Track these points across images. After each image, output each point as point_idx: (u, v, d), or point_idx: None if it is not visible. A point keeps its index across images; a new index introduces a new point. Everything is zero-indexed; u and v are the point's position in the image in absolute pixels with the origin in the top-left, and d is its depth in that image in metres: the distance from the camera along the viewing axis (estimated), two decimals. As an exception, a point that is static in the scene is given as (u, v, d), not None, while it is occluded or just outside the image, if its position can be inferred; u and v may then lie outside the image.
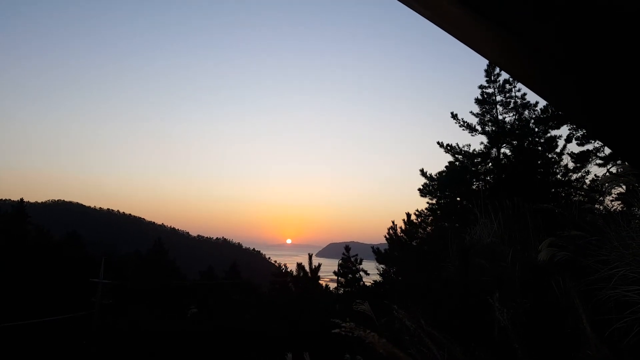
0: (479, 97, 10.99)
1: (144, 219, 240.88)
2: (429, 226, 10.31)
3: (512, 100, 10.76)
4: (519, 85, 10.12)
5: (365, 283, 10.79)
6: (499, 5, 0.51)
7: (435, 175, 10.92)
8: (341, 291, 11.40)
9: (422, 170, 11.03)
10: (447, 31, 0.60)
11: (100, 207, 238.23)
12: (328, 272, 12.53)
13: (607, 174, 8.12)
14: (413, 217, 10.42)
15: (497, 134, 10.61)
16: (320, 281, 11.76)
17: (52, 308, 16.71)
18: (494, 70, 10.81)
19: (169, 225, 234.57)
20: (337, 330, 2.19)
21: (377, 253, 10.00)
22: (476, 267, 3.73)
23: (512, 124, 10.69)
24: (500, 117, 10.86)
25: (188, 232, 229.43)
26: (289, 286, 11.76)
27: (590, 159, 9.73)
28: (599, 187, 7.77)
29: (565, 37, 0.50)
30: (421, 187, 11.08)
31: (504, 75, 10.70)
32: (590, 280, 2.38)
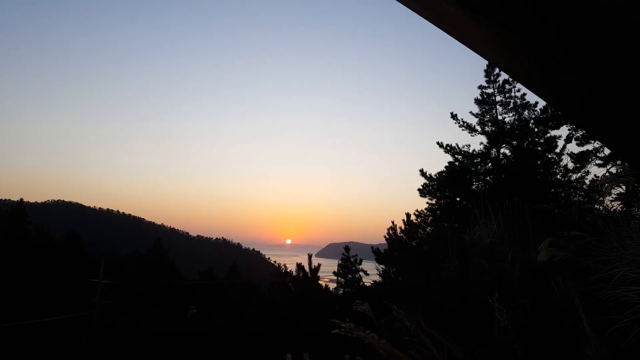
0: (479, 97, 11.00)
1: (143, 219, 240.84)
2: (429, 226, 10.31)
3: (512, 101, 10.76)
4: (519, 85, 10.13)
5: (365, 283, 10.79)
6: (499, 5, 0.51)
7: (435, 175, 10.93)
8: (341, 291, 11.40)
9: (421, 171, 11.04)
10: (446, 31, 0.60)
11: (100, 207, 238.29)
12: (328, 272, 12.53)
13: (607, 174, 8.12)
14: (413, 218, 10.43)
15: (496, 134, 10.61)
16: (320, 281, 11.76)
17: (52, 308, 16.69)
18: (493, 70, 10.81)
19: (168, 226, 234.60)
20: (336, 331, 2.19)
21: (377, 253, 10.00)
22: (476, 268, 3.73)
23: (511, 124, 10.69)
24: (499, 117, 10.87)
25: (188, 232, 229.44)
26: (289, 286, 11.76)
27: (590, 159, 9.73)
28: (599, 188, 7.77)
29: (565, 37, 0.50)
30: (421, 187, 11.08)
31: (504, 76, 10.71)
32: (590, 281, 2.38)
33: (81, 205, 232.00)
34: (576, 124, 8.38)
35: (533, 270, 3.16)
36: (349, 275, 11.21)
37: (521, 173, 9.11)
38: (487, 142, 10.78)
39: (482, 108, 11.01)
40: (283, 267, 13.14)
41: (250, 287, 23.59)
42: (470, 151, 10.84)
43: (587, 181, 9.67)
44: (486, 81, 10.95)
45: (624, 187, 3.06)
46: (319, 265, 11.42)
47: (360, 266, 11.25)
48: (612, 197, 4.08)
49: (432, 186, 10.89)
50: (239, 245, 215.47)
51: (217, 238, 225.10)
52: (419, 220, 10.55)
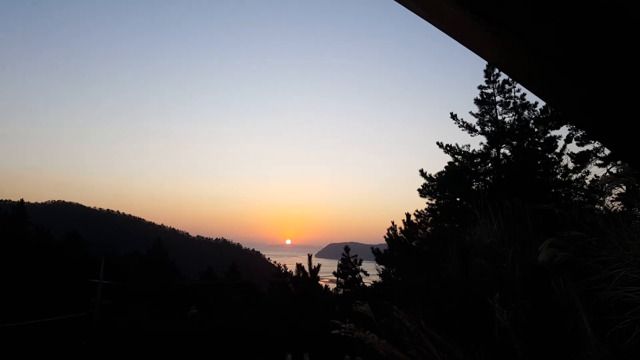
0: (479, 97, 11.00)
1: (143, 219, 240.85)
2: (429, 227, 10.30)
3: (512, 101, 10.76)
4: (519, 85, 10.12)
5: (365, 284, 10.78)
6: (499, 6, 0.50)
7: (435, 175, 10.92)
8: (341, 292, 11.40)
9: (421, 171, 11.04)
10: (445, 32, 0.60)
11: (100, 208, 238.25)
12: (328, 272, 12.52)
13: (607, 174, 8.11)
14: (413, 218, 10.42)
15: (496, 134, 10.61)
16: (319, 282, 11.75)
17: (52, 308, 16.69)
18: (493, 70, 10.81)
19: (168, 226, 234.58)
20: (337, 331, 2.19)
21: (377, 254, 9.99)
22: (476, 268, 3.72)
23: (511, 125, 10.69)
24: (499, 117, 10.87)
25: (188, 233, 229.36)
26: (289, 287, 11.75)
27: (590, 159, 9.73)
28: (599, 188, 7.77)
29: (565, 37, 0.50)
30: (421, 188, 11.08)
31: (504, 76, 10.71)
32: (590, 281, 2.37)
33: (81, 205, 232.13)
34: (576, 124, 8.38)
35: (533, 271, 3.16)
36: (349, 276, 11.20)
37: (521, 173, 9.11)
38: (487, 142, 10.78)
39: (482, 108, 11.01)
40: (283, 267, 13.13)
41: (250, 287, 23.58)
42: (470, 151, 10.84)
43: (587, 181, 9.67)
44: (486, 81, 10.95)
45: (624, 187, 3.06)
46: (319, 266, 11.42)
47: (360, 266, 11.24)
48: (613, 197, 4.08)
49: (432, 186, 10.89)
50: (238, 246, 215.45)
51: (217, 238, 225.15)
52: (419, 220, 10.55)
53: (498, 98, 10.90)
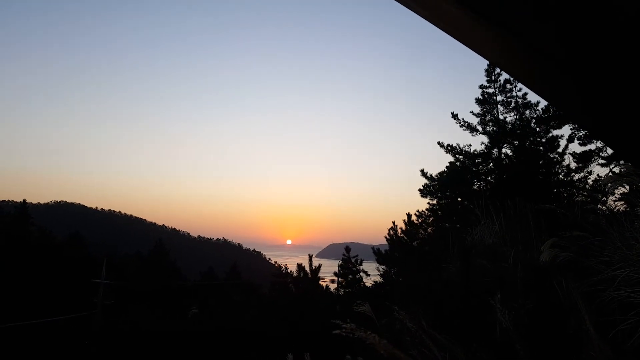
0: (480, 97, 10.98)
1: (145, 219, 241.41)
2: (430, 227, 10.28)
3: (513, 100, 10.74)
4: (520, 84, 10.10)
5: (366, 284, 10.78)
6: (499, 6, 0.50)
7: (436, 175, 10.91)
8: (341, 292, 11.39)
9: (422, 171, 11.02)
10: (446, 32, 0.59)
11: (102, 208, 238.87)
12: (328, 272, 12.52)
13: (610, 174, 8.08)
14: (414, 218, 10.41)
15: (498, 134, 10.58)
16: (320, 282, 11.75)
17: (54, 308, 16.74)
18: (494, 70, 10.79)
19: (170, 226, 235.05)
20: (337, 331, 2.19)
21: (378, 254, 9.98)
22: (478, 268, 3.71)
23: (513, 124, 10.67)
24: (501, 117, 10.85)
25: (189, 233, 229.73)
26: (290, 287, 11.75)
27: (593, 159, 9.69)
28: (602, 187, 7.74)
29: (565, 37, 0.50)
30: (422, 188, 11.06)
31: (505, 75, 10.69)
32: (593, 282, 2.36)
33: (83, 206, 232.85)
34: (577, 124, 8.36)
35: (535, 271, 3.15)
36: (350, 276, 11.19)
37: (523, 173, 9.09)
38: (489, 142, 10.76)
39: (483, 108, 10.99)
40: (284, 267, 13.14)
41: (251, 287, 23.60)
42: (472, 151, 10.82)
43: (589, 181, 9.63)
44: (487, 81, 10.93)
45: (627, 186, 3.04)
46: (320, 266, 11.42)
47: (361, 267, 11.23)
48: (616, 197, 4.06)
49: (433, 186, 10.87)
50: (239, 246, 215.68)
51: (218, 239, 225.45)
52: (419, 220, 10.53)
53: (499, 97, 10.88)
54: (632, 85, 0.51)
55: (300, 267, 11.36)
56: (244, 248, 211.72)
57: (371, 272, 10.94)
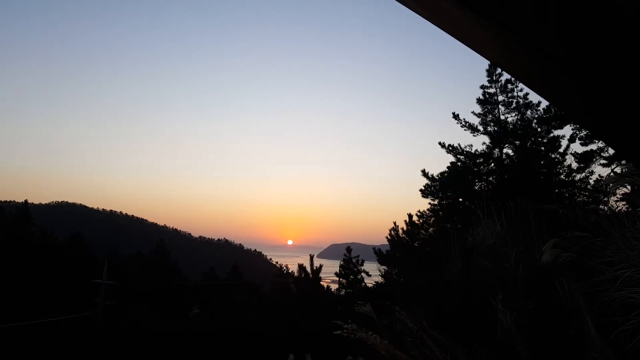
0: (481, 97, 10.96)
1: (146, 220, 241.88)
2: (431, 227, 10.27)
3: (515, 100, 10.72)
4: (521, 84, 10.08)
5: (367, 284, 10.77)
6: (499, 6, 0.50)
7: (437, 176, 10.90)
8: (343, 292, 11.39)
9: (423, 171, 11.01)
10: (446, 31, 0.60)
11: (104, 209, 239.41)
12: (329, 273, 12.52)
13: (612, 174, 8.06)
14: (415, 218, 10.39)
15: (499, 134, 10.57)
16: (321, 282, 11.75)
17: (55, 309, 16.79)
18: (495, 70, 10.77)
19: (171, 227, 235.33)
20: (339, 332, 2.18)
21: (379, 254, 9.97)
22: (479, 269, 3.71)
23: (514, 124, 10.65)
24: (502, 117, 10.83)
25: (190, 233, 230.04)
26: (291, 287, 11.76)
27: (594, 159, 9.66)
28: (603, 188, 7.72)
29: (565, 37, 0.50)
30: (423, 188, 11.06)
31: (506, 75, 10.67)
32: (594, 282, 2.36)
33: (85, 206, 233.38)
34: (578, 124, 8.34)
35: (537, 272, 3.14)
36: (351, 276, 11.19)
37: (524, 173, 9.07)
38: (490, 142, 10.74)
39: (485, 108, 10.97)
40: (285, 268, 13.14)
41: (252, 287, 23.61)
42: (473, 151, 10.80)
43: (591, 181, 9.61)
44: (488, 81, 10.92)
45: (629, 187, 3.04)
46: (321, 266, 11.42)
47: (362, 267, 11.23)
48: (617, 198, 4.05)
49: (434, 187, 10.86)
50: (240, 246, 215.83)
51: (219, 239, 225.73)
52: (421, 221, 10.52)
53: (501, 97, 10.86)
54: (632, 85, 0.51)
55: (301, 267, 11.37)
56: (245, 248, 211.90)
57: (372, 273, 10.94)
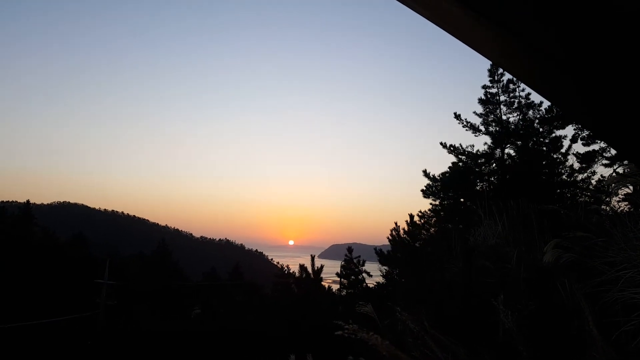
0: (483, 97, 10.95)
1: (148, 220, 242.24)
2: (432, 227, 10.26)
3: (516, 100, 10.70)
4: (523, 85, 10.06)
5: (368, 284, 10.77)
6: (499, 6, 0.50)
7: (439, 176, 10.89)
8: (344, 293, 11.39)
9: (425, 171, 11.00)
10: (447, 31, 0.60)
11: (105, 209, 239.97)
12: (330, 273, 12.53)
13: (614, 174, 8.04)
14: (416, 219, 10.39)
15: (501, 134, 10.55)
16: (322, 283, 11.76)
17: (57, 309, 16.84)
18: (497, 70, 10.75)
19: (172, 227, 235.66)
20: (340, 332, 2.18)
21: (380, 254, 9.97)
22: (480, 269, 3.70)
23: (516, 124, 10.63)
24: (504, 117, 10.81)
25: (191, 234, 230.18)
26: (292, 287, 11.77)
27: (596, 159, 9.64)
28: (605, 188, 7.69)
29: (565, 37, 0.50)
30: (424, 188, 11.04)
31: (508, 76, 10.66)
32: (596, 283, 2.35)
33: (86, 206, 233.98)
34: (578, 124, 8.33)
35: (538, 272, 3.13)
36: (352, 277, 11.19)
37: (526, 173, 9.05)
38: (492, 143, 10.72)
39: (486, 108, 10.95)
40: (286, 268, 13.16)
41: (253, 288, 23.64)
42: (474, 151, 10.79)
43: (593, 181, 9.59)
44: (490, 81, 10.90)
45: (631, 187, 3.03)
46: (322, 267, 11.42)
47: (363, 267, 11.23)
48: (619, 198, 4.03)
49: (436, 187, 10.85)
50: (242, 247, 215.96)
51: (220, 239, 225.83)
52: (422, 221, 10.51)
53: (502, 98, 10.84)
54: (632, 85, 0.51)
55: (302, 267, 11.38)
56: (246, 248, 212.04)
57: (373, 273, 10.93)
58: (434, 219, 10.57)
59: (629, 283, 2.18)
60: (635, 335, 1.98)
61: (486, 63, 11.49)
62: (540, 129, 10.32)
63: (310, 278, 11.13)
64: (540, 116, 10.37)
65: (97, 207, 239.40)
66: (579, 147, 10.19)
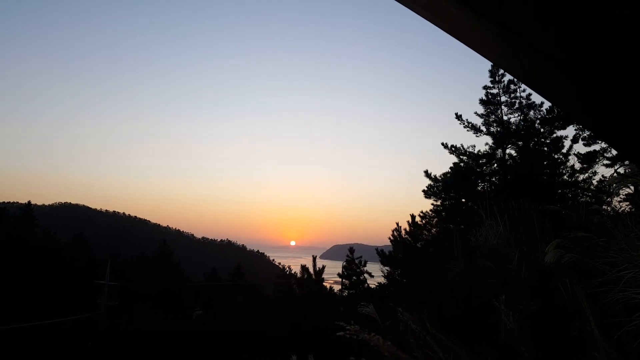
0: (484, 97, 10.95)
1: (149, 221, 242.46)
2: (434, 228, 10.26)
3: (517, 101, 10.69)
4: (524, 85, 10.05)
5: (370, 285, 10.76)
6: (499, 6, 0.51)
7: (440, 176, 10.88)
8: (345, 293, 11.38)
9: (426, 172, 11.00)
10: (447, 32, 0.60)
11: (107, 210, 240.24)
12: (332, 274, 12.51)
13: (615, 174, 8.03)
14: (417, 219, 10.38)
15: (502, 134, 10.55)
16: (324, 283, 11.75)
17: (58, 310, 16.87)
18: (498, 70, 10.75)
19: (174, 227, 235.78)
20: (341, 333, 2.18)
21: (382, 255, 9.96)
22: (482, 269, 3.70)
23: (517, 125, 10.62)
24: (505, 117, 10.81)
25: (193, 234, 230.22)
26: (293, 288, 11.76)
27: (597, 160, 9.62)
28: (607, 188, 7.68)
29: (565, 38, 0.50)
30: (426, 189, 11.03)
31: (509, 76, 10.65)
32: (597, 283, 2.35)
33: (88, 207, 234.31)
34: (578, 123, 8.32)
35: (540, 272, 3.13)
36: (354, 277, 11.18)
37: (527, 174, 9.04)
38: (493, 143, 10.72)
39: (487, 108, 10.95)
40: (287, 269, 13.16)
41: (254, 288, 23.62)
42: (476, 152, 10.78)
43: (594, 182, 9.57)
44: (491, 81, 10.90)
45: (632, 187, 3.03)
46: (324, 267, 11.42)
47: (365, 268, 11.22)
48: (620, 198, 4.02)
49: (437, 187, 10.84)
50: (243, 247, 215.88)
51: (221, 240, 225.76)
52: (423, 221, 10.50)
53: (503, 98, 10.84)
54: (632, 85, 0.51)
55: (304, 268, 11.37)
56: (247, 249, 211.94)
57: (375, 274, 10.92)
58: (436, 219, 10.56)
59: (630, 283, 2.18)
60: (636, 335, 1.98)
61: (487, 64, 11.50)
62: (542, 130, 10.31)
63: (311, 279, 11.12)
64: (541, 117, 10.36)
65: (98, 208, 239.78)
66: (580, 148, 10.20)
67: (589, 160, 9.69)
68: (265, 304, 14.71)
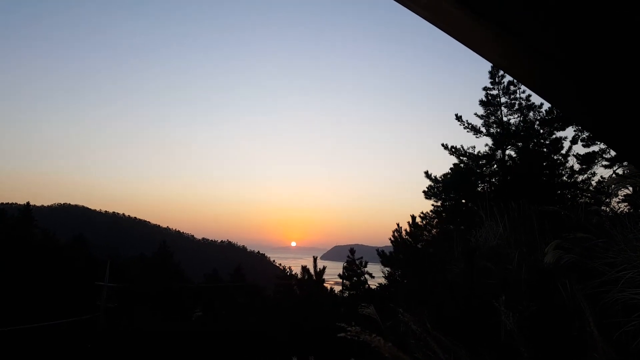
0: (484, 98, 10.97)
1: (149, 222, 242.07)
2: (434, 228, 10.26)
3: (517, 102, 10.71)
4: (524, 86, 10.08)
5: (370, 286, 10.75)
6: (499, 6, 0.51)
7: (440, 177, 10.89)
8: (346, 294, 11.37)
9: (426, 173, 11.01)
10: (447, 32, 0.60)
11: (106, 211, 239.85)
12: (333, 274, 12.50)
13: (614, 175, 8.05)
14: (418, 220, 10.38)
15: (502, 135, 10.56)
16: (325, 284, 11.74)
17: (57, 311, 16.83)
18: (498, 72, 10.78)
19: (174, 228, 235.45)
20: (342, 334, 2.18)
21: (382, 256, 9.96)
22: (482, 270, 3.70)
23: (517, 126, 10.64)
24: (505, 118, 10.82)
25: (193, 235, 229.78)
26: (294, 289, 11.75)
27: (596, 161, 9.64)
28: (606, 189, 7.69)
29: (565, 38, 0.50)
30: (426, 190, 11.04)
31: (509, 77, 10.67)
32: (597, 283, 2.35)
33: (87, 208, 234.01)
34: (578, 124, 8.33)
35: (539, 273, 3.13)
36: (354, 278, 11.18)
37: (527, 175, 9.05)
38: (493, 144, 10.73)
39: (487, 109, 10.97)
40: (288, 269, 13.14)
41: (255, 289, 23.58)
42: (476, 153, 10.79)
43: (593, 183, 9.58)
44: (491, 82, 10.92)
45: (630, 188, 3.03)
46: (324, 268, 11.41)
47: (366, 269, 11.22)
48: (619, 199, 4.03)
49: (437, 188, 10.85)
50: (244, 248, 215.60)
51: (222, 241, 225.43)
52: (424, 222, 10.51)
53: (503, 99, 10.86)
54: (632, 86, 0.51)
55: (304, 269, 11.37)
56: (248, 250, 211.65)
57: (376, 274, 10.92)
58: (436, 220, 10.57)
59: (629, 284, 2.19)
60: (635, 335, 1.98)
61: (487, 64, 11.52)
62: (541, 131, 10.33)
63: (312, 279, 11.12)
64: (541, 118, 10.38)
65: (97, 209, 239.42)
66: (579, 149, 10.20)
67: (588, 161, 9.71)
68: (265, 304, 14.69)
